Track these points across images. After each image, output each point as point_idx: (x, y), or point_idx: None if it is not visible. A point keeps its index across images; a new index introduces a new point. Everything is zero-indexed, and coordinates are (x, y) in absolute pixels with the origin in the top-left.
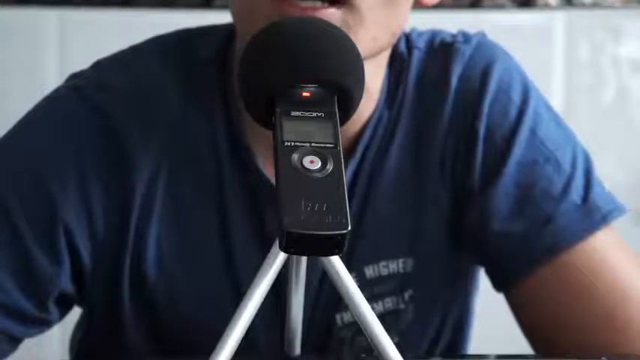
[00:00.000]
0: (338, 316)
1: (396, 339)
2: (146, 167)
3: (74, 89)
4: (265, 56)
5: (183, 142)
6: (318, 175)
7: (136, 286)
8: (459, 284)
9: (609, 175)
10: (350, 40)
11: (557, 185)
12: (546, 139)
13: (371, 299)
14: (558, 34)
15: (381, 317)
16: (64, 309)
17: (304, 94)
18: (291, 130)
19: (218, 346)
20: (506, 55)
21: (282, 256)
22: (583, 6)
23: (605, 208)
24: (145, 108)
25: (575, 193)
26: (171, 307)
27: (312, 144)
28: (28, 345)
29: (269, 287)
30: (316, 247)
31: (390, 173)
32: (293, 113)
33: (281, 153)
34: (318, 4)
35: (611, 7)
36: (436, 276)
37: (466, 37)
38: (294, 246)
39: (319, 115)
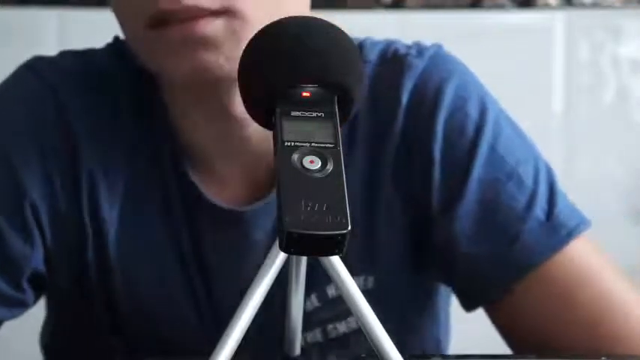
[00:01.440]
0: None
1: (364, 355)
2: (94, 154)
3: (32, 69)
4: (265, 56)
5: (130, 140)
6: (318, 175)
7: (99, 268)
8: (427, 299)
9: (609, 175)
10: (350, 40)
11: (521, 202)
12: (507, 155)
13: (334, 319)
14: (558, 34)
15: (346, 337)
16: (38, 290)
17: (304, 94)
18: (291, 130)
19: (218, 346)
20: (463, 68)
21: (282, 256)
22: (583, 6)
23: (570, 223)
24: (96, 96)
25: (539, 208)
26: (132, 300)
27: (312, 144)
28: (27, 346)
29: (269, 287)
30: (316, 247)
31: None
32: (293, 113)
33: (281, 153)
34: (201, 20)
35: (611, 7)
36: (400, 293)
37: (420, 51)
38: (294, 246)
39: (319, 115)
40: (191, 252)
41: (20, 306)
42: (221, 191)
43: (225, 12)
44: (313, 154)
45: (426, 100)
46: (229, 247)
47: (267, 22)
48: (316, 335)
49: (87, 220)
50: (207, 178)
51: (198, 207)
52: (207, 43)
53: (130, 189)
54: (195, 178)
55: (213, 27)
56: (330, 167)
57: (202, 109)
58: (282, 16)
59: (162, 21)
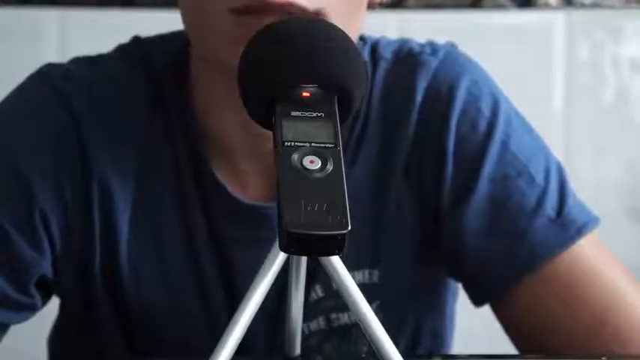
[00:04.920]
0: (304, 325)
1: (365, 348)
2: (105, 159)
3: (45, 77)
4: (266, 56)
5: (143, 144)
6: (318, 175)
7: (107, 276)
8: (433, 293)
9: (609, 175)
10: (351, 41)
11: (531, 199)
12: (518, 152)
13: (337, 310)
14: (558, 34)
15: (348, 328)
16: (46, 294)
17: (304, 94)
18: (291, 130)
19: (218, 346)
20: (475, 66)
21: (282, 256)
22: (583, 6)
23: (579, 220)
24: (107, 104)
25: (549, 206)
26: (138, 299)
27: (312, 144)
28: (28, 347)
29: (269, 287)
30: (316, 247)
31: (356, 184)
32: (293, 113)
33: (281, 153)
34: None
35: (611, 7)
36: (405, 287)
37: (434, 49)
38: (294, 246)
39: (319, 115)
40: (207, 247)
41: (28, 310)
42: (243, 188)
43: (316, 14)
44: (313, 154)
45: (440, 97)
46: (251, 243)
47: (344, 26)
48: (320, 323)
49: (97, 226)
50: (230, 175)
51: (219, 202)
52: None
53: (143, 184)
54: (217, 173)
55: None
56: (330, 167)
57: (233, 104)
58: (357, 22)
59: (246, 10)
